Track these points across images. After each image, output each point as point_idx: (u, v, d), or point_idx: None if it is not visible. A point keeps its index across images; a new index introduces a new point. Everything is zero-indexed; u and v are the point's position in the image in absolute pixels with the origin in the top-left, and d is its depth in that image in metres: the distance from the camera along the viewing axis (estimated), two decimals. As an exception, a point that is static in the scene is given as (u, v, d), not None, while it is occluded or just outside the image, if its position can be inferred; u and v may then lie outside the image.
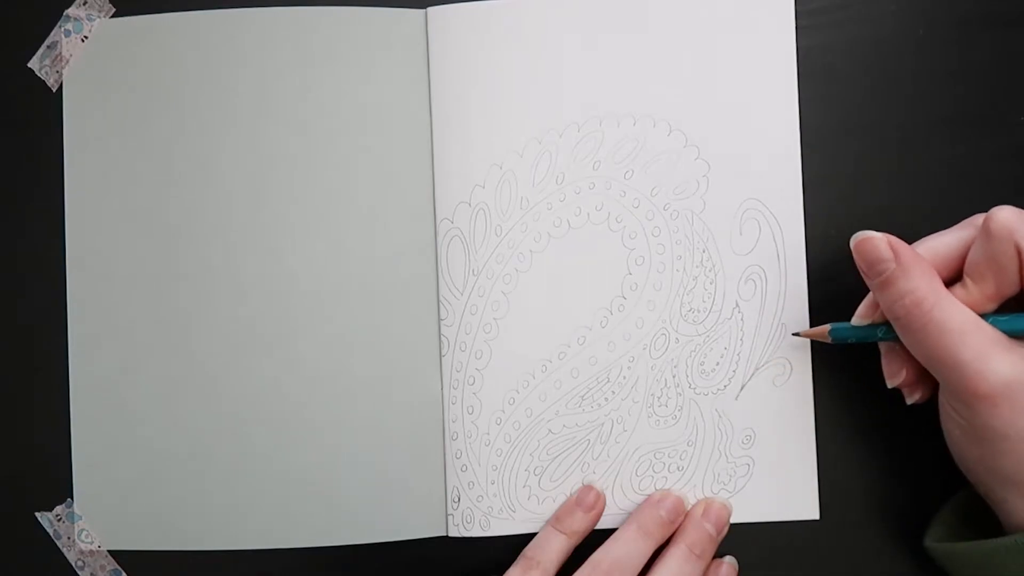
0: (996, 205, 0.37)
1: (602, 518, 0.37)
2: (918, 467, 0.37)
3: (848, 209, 0.37)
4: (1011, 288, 0.30)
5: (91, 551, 0.38)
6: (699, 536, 0.35)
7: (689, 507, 0.36)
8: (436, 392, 0.37)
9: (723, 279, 0.37)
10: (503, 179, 0.37)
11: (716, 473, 0.37)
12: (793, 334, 0.36)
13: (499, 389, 0.37)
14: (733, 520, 0.36)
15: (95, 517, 0.38)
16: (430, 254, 0.38)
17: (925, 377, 0.33)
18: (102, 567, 0.38)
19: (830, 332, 0.34)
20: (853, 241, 0.32)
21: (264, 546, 0.37)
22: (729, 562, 0.36)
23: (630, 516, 0.36)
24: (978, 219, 0.31)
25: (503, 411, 0.37)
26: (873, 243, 0.31)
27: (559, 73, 0.37)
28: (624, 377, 0.37)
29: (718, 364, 0.37)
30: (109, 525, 0.38)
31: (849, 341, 0.34)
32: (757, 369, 0.37)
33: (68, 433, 0.38)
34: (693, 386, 0.37)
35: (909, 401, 0.34)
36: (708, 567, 0.35)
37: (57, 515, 0.38)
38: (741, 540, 0.37)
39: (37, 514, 0.38)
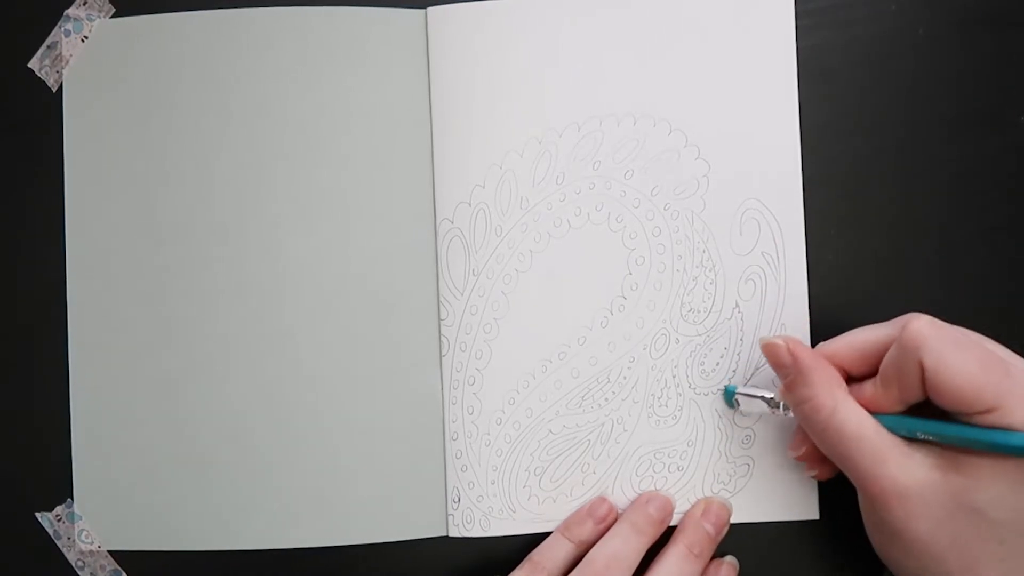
0: (996, 205, 0.37)
1: (601, 519, 0.37)
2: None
3: (848, 209, 0.37)
4: (914, 396, 0.30)
5: (91, 551, 0.38)
6: (698, 536, 0.35)
7: (680, 507, 0.37)
8: (436, 392, 0.37)
9: (723, 279, 0.37)
10: (503, 179, 0.37)
11: (716, 473, 0.37)
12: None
13: (499, 389, 0.37)
14: (733, 520, 0.36)
15: (95, 517, 0.38)
16: (430, 254, 0.38)
17: (826, 458, 0.33)
18: (102, 567, 0.38)
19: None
20: (760, 343, 0.33)
21: (264, 546, 0.37)
22: (729, 562, 0.36)
23: (622, 515, 0.36)
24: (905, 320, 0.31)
25: (503, 411, 0.37)
26: (773, 349, 0.32)
27: (559, 73, 0.37)
28: (624, 377, 0.37)
29: (718, 364, 0.37)
30: (109, 525, 0.38)
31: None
32: (757, 369, 0.37)
33: (68, 433, 0.38)
34: (693, 386, 0.37)
35: (809, 475, 0.35)
36: (708, 567, 0.35)
37: (57, 515, 0.38)
38: (741, 540, 0.37)
39: (37, 514, 0.38)
